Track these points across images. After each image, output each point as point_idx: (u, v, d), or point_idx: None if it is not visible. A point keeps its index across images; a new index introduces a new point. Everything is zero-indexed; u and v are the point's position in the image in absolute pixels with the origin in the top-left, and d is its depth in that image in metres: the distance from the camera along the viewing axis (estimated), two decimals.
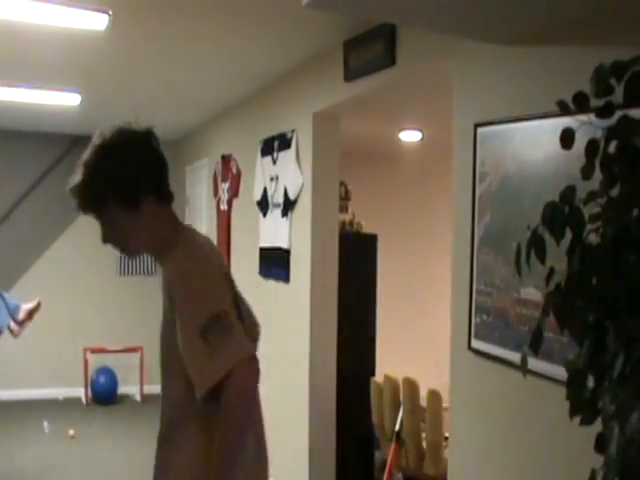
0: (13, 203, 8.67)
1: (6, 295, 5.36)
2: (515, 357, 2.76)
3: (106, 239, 2.34)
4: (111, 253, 9.42)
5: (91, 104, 6.87)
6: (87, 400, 8.65)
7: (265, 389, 5.90)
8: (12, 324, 5.23)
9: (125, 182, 2.21)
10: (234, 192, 6.76)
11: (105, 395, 8.59)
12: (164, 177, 2.35)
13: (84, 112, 7.24)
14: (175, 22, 4.34)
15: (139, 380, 8.86)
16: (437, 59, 3.59)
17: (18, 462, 6.45)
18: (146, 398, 8.85)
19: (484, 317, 3.10)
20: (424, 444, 4.62)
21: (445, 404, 4.33)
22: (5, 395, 8.57)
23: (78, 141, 8.85)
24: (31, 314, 5.31)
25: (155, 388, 9.11)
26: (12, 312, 5.25)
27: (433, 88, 4.48)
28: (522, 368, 1.78)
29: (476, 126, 3.18)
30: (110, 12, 4.07)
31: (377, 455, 5.61)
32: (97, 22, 4.21)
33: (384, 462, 4.95)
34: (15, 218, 8.67)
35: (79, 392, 8.63)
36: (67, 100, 6.63)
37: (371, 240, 5.99)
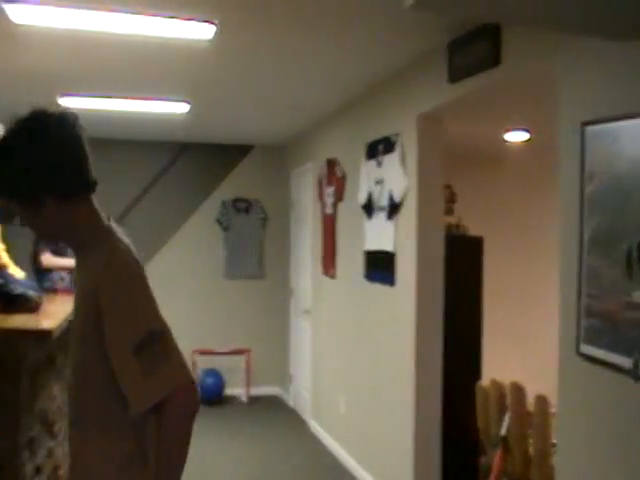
0: (125, 209, 8.95)
1: None
2: (626, 362, 2.67)
3: (23, 222, 2.13)
4: (218, 257, 9.56)
5: (199, 112, 7.03)
6: None
7: (370, 392, 5.91)
8: None
9: (28, 171, 2.00)
10: (339, 196, 6.79)
11: (212, 396, 8.77)
12: (65, 165, 2.05)
13: (192, 120, 7.42)
14: (279, 29, 4.39)
15: (245, 382, 9.01)
16: (543, 57, 3.52)
17: None
18: (252, 400, 8.99)
19: (593, 321, 3.02)
20: (531, 450, 4.53)
21: (553, 410, 4.23)
22: None
23: (186, 148, 9.09)
24: None
25: (261, 390, 9.22)
26: None
27: (540, 86, 4.40)
28: (633, 374, 1.73)
29: (584, 125, 3.11)
30: (217, 22, 4.17)
31: (482, 460, 5.54)
32: (204, 32, 4.31)
33: (489, 468, 4.87)
34: (127, 223, 8.95)
35: None
36: (176, 109, 6.81)
37: (477, 242, 5.93)
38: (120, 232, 2.15)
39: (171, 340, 1.96)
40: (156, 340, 1.91)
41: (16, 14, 4.00)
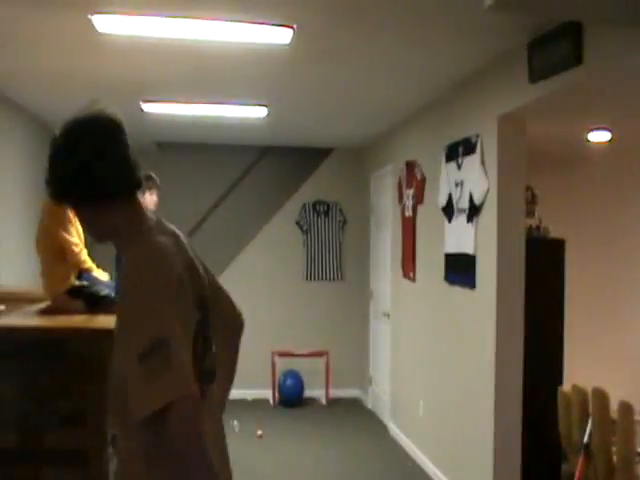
0: (207, 211, 9.11)
1: None
2: None
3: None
4: (298, 259, 9.62)
5: (277, 115, 7.09)
6: (274, 402, 8.93)
7: (449, 395, 5.86)
8: None
9: (60, 175, 2.02)
10: (419, 198, 6.76)
11: (291, 397, 8.83)
12: (104, 168, 2.02)
13: (271, 123, 7.48)
14: (357, 32, 4.41)
15: (324, 384, 9.04)
16: (627, 55, 3.44)
17: None
18: (331, 401, 9.02)
19: None
20: (614, 459, 4.42)
21: (638, 417, 4.13)
22: None
23: (266, 151, 9.17)
24: None
25: (340, 392, 9.22)
26: None
27: (624, 85, 4.30)
28: None
29: None
30: (294, 26, 4.20)
31: (564, 467, 5.43)
32: (282, 37, 4.36)
33: (571, 475, 4.77)
34: (210, 224, 9.11)
35: (267, 394, 8.92)
36: (255, 113, 6.89)
37: (558, 245, 5.83)
38: (163, 231, 2.12)
39: (177, 349, 1.88)
40: (163, 347, 1.85)
41: (102, 24, 4.12)
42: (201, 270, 2.17)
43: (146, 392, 1.84)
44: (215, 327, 2.21)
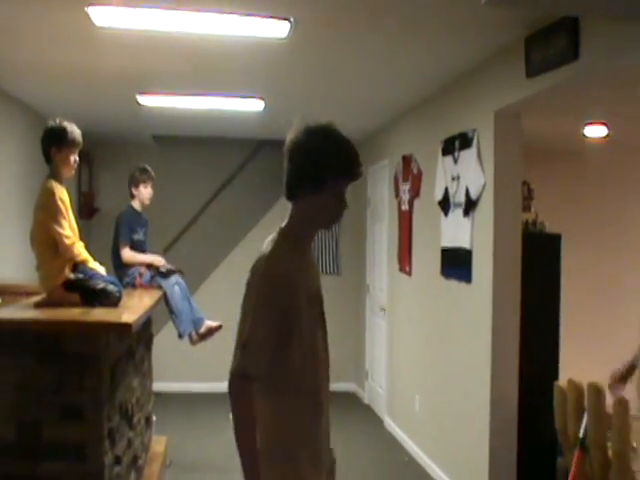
0: (203, 204, 9.09)
1: (193, 303, 5.64)
2: None
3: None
4: None
5: (274, 109, 7.07)
6: None
7: (446, 390, 5.86)
8: (193, 334, 5.55)
9: None
10: (415, 192, 6.77)
11: None
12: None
13: (268, 117, 7.47)
14: (355, 25, 4.40)
15: None
16: (624, 50, 3.44)
17: (207, 451, 6.74)
18: (331, 396, 9.00)
19: None
20: (610, 453, 4.43)
21: (633, 412, 4.13)
22: (198, 387, 9.02)
23: (262, 145, 9.15)
24: (211, 332, 5.61)
25: (337, 386, 9.26)
26: (196, 323, 5.55)
27: (620, 80, 4.30)
28: None
29: None
30: (291, 19, 4.20)
31: (560, 462, 5.44)
32: (279, 30, 4.35)
33: (567, 470, 4.78)
34: (205, 217, 9.08)
35: None
36: (252, 106, 6.87)
37: (555, 240, 5.83)
38: None
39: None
40: None
41: (98, 17, 4.11)
42: None
43: None
44: None
